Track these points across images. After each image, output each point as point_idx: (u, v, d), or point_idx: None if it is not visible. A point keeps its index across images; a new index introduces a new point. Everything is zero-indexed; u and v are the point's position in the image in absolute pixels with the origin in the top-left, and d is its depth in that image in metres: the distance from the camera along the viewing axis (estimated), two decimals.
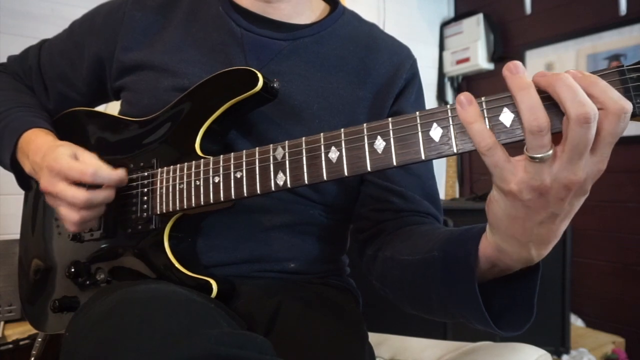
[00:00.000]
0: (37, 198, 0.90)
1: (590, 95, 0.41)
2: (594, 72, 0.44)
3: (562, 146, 0.43)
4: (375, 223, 0.77)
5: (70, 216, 0.69)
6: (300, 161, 0.58)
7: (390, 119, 0.53)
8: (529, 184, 0.44)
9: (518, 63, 0.44)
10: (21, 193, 0.93)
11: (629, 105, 0.41)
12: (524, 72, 0.44)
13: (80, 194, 0.68)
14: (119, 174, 0.72)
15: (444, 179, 3.03)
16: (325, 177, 0.56)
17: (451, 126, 0.49)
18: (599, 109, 0.41)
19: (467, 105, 0.46)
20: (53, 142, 0.75)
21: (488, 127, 0.46)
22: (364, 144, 0.54)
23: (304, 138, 0.59)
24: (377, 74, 0.81)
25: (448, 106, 0.49)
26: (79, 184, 0.69)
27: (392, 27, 2.73)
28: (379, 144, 0.53)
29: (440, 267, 0.57)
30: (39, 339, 1.13)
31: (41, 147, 0.74)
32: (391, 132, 0.52)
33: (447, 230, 0.62)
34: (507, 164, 0.45)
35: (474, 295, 0.52)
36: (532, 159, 0.43)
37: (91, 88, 0.88)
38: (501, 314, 0.54)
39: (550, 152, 0.43)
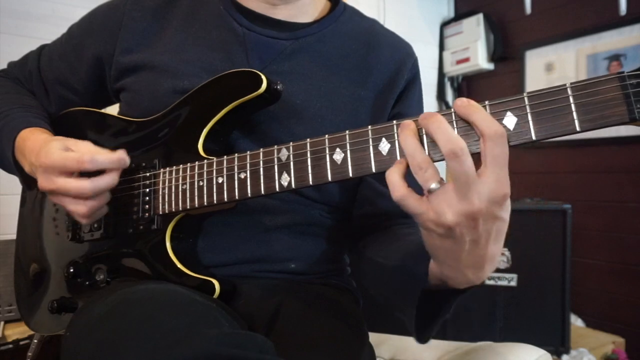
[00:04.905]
0: (34, 198, 0.90)
1: (472, 123, 0.47)
2: (595, 78, 0.45)
3: (450, 181, 0.47)
4: (364, 223, 0.79)
5: (78, 209, 0.68)
6: (304, 162, 0.59)
7: (394, 121, 0.53)
8: (436, 220, 0.48)
9: (406, 123, 0.50)
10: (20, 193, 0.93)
11: (501, 129, 0.46)
12: (410, 128, 0.50)
13: (84, 184, 0.66)
14: (119, 154, 0.69)
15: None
16: (330, 178, 0.57)
17: (455, 129, 0.49)
18: (480, 136, 0.46)
19: (397, 163, 0.51)
20: (46, 138, 0.74)
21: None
22: (369, 146, 0.54)
23: (308, 140, 0.59)
24: (378, 73, 0.81)
25: (452, 109, 0.50)
26: (80, 174, 0.67)
27: (392, 27, 2.71)
28: (384, 146, 0.53)
29: (400, 279, 0.61)
30: (35, 340, 1.13)
31: (35, 145, 0.73)
32: (396, 134, 0.53)
33: (412, 240, 0.64)
34: (420, 207, 0.49)
35: (411, 314, 0.57)
36: (429, 192, 0.48)
37: (91, 90, 0.87)
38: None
39: (437, 185, 0.48)
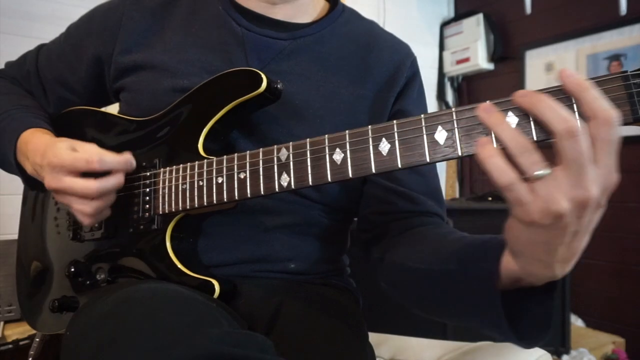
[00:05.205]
0: (36, 198, 0.90)
1: (582, 103, 0.43)
2: (597, 77, 0.44)
3: (560, 165, 0.42)
4: (380, 224, 0.77)
5: (83, 208, 0.68)
6: (304, 162, 0.58)
7: (395, 121, 0.53)
8: (545, 209, 0.43)
9: (489, 105, 0.46)
10: (21, 193, 0.93)
11: (616, 113, 0.42)
12: (496, 110, 0.46)
13: (91, 184, 0.67)
14: (126, 156, 0.71)
15: (444, 179, 3.03)
16: (329, 179, 0.56)
17: (456, 129, 0.49)
18: (590, 118, 0.42)
19: (485, 143, 0.45)
20: (50, 140, 0.74)
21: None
22: (369, 146, 0.54)
23: (308, 139, 0.59)
24: (377, 73, 0.81)
25: (453, 109, 0.49)
26: (86, 175, 0.68)
27: (392, 28, 2.72)
28: (384, 146, 0.53)
29: (460, 283, 0.56)
30: (37, 340, 1.13)
31: (39, 146, 0.73)
32: (396, 134, 0.52)
33: (461, 239, 0.61)
34: (528, 195, 0.43)
35: (500, 316, 0.51)
36: (536, 178, 0.43)
37: (90, 90, 0.87)
38: (523, 326, 0.54)
39: (545, 170, 0.43)
